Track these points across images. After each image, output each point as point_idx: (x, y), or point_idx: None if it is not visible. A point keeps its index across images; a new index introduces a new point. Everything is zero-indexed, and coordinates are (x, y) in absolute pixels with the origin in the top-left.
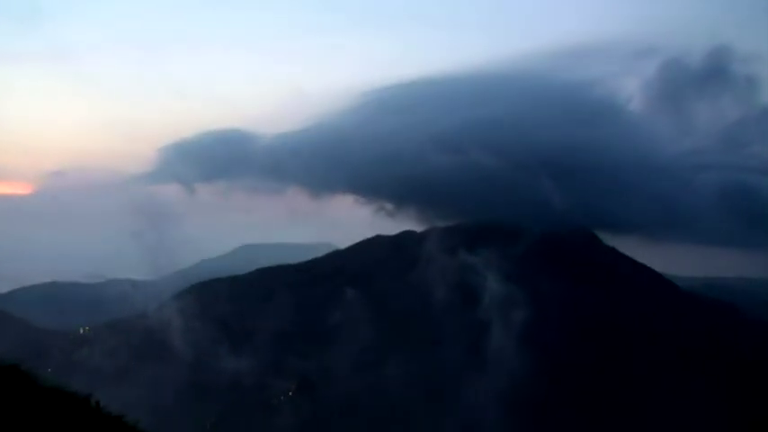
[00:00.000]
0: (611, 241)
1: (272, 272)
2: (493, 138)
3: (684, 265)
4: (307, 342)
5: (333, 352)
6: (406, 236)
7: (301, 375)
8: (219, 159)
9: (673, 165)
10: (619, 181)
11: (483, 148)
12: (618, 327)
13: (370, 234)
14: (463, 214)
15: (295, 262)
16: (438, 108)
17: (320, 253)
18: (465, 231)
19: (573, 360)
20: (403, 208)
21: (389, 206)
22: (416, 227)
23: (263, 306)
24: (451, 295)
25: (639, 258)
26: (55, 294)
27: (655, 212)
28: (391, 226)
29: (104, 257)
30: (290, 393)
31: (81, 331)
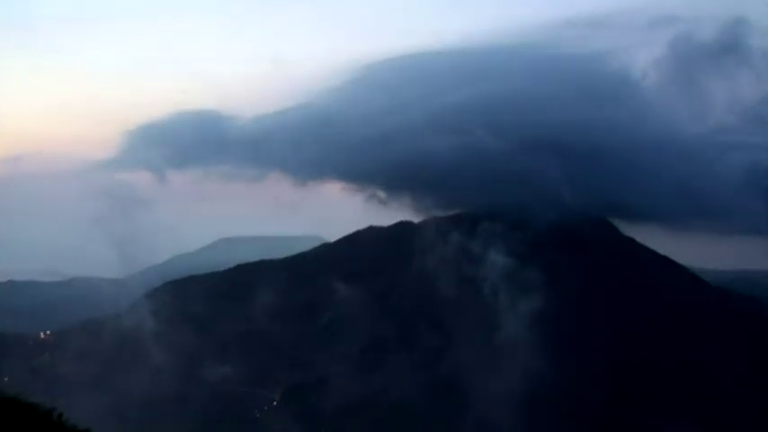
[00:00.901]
0: (630, 231)
1: (254, 268)
2: (497, 117)
3: (711, 258)
4: (294, 345)
5: (324, 356)
6: (402, 227)
7: (288, 383)
8: (193, 143)
9: (694, 145)
10: (636, 164)
11: (485, 128)
12: (640, 326)
13: (362, 225)
14: (464, 203)
15: (279, 257)
16: (436, 84)
17: (307, 246)
18: (467, 221)
19: (591, 360)
20: (397, 196)
21: (382, 194)
22: (413, 217)
23: (245, 306)
24: (456, 291)
25: (661, 250)
26: (11, 295)
27: (676, 198)
28: (385, 216)
29: (66, 254)
30: (275, 403)
31: (41, 336)
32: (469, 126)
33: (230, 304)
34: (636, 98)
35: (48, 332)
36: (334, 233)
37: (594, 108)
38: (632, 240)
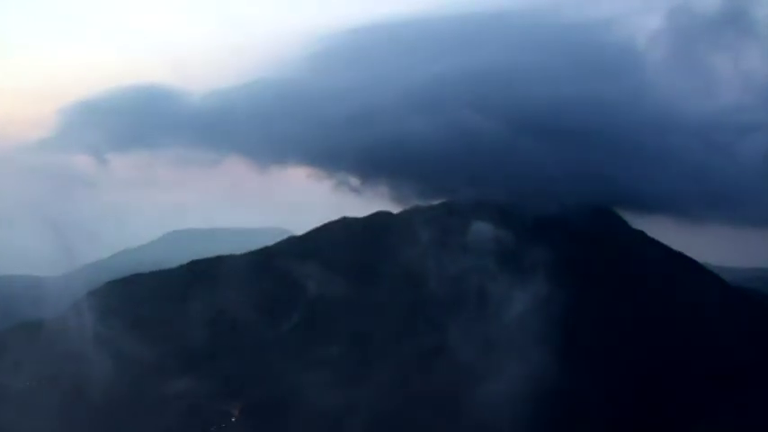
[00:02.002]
0: (638, 223)
1: (211, 264)
2: (483, 94)
3: (730, 254)
4: (257, 352)
5: (293, 364)
6: (379, 218)
7: (250, 395)
8: (138, 123)
9: (708, 126)
10: (643, 146)
11: (471, 107)
12: (651, 329)
13: (333, 216)
14: (449, 191)
15: (240, 252)
16: (416, 56)
17: (271, 240)
18: (454, 212)
19: (598, 366)
20: (372, 183)
21: (354, 180)
22: (391, 207)
23: (201, 307)
24: (444, 289)
25: (675, 245)
26: None
27: (690, 186)
28: (359, 206)
29: None
30: (234, 419)
31: None
32: (454, 104)
33: (184, 306)
34: (641, 72)
35: None
36: (301, 225)
37: (593, 83)
38: (642, 234)
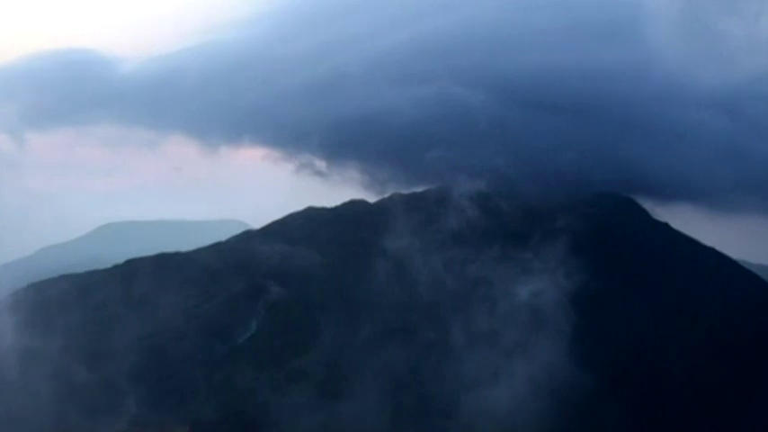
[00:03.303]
0: (661, 213)
1: (152, 264)
2: (473, 61)
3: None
4: (205, 366)
5: (255, 378)
6: (353, 208)
7: (200, 419)
8: (61, 96)
9: (735, 98)
10: (657, 123)
11: (457, 76)
12: (678, 332)
13: (295, 205)
14: (432, 175)
15: (186, 249)
16: (389, 16)
17: (224, 234)
18: (441, 200)
19: (622, 377)
20: (340, 166)
21: (319, 163)
22: (365, 194)
23: (140, 314)
24: (433, 289)
25: (706, 240)
26: None
27: (719, 169)
28: (325, 193)
29: None
30: None
31: None
32: (436, 73)
33: (120, 312)
34: (657, 36)
35: None
36: (259, 216)
37: (603, 49)
38: (666, 226)
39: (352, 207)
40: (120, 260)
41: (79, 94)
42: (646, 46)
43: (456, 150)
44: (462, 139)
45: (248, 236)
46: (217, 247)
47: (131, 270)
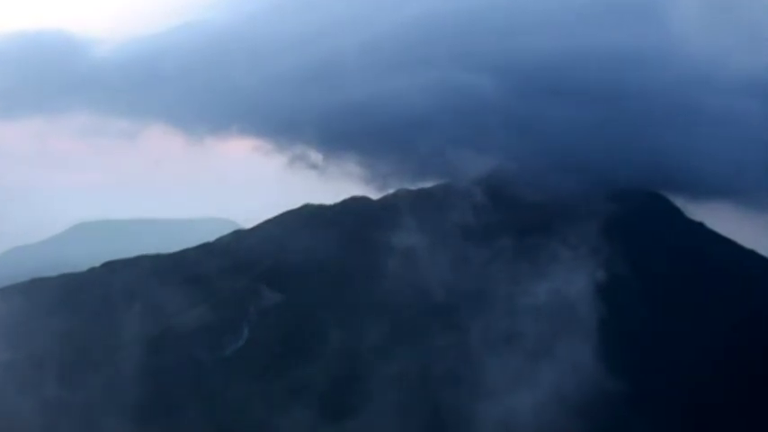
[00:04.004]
0: (695, 212)
1: (132, 266)
2: (481, 44)
3: None
4: (192, 379)
5: (239, 394)
6: (354, 206)
7: None
8: (30, 82)
9: (765, 83)
10: (693, 112)
11: (464, 60)
12: (715, 338)
13: (289, 202)
14: (439, 169)
15: (170, 250)
16: None
17: (212, 234)
18: (451, 196)
19: (656, 392)
20: (337, 159)
21: (315, 155)
22: (367, 190)
23: (117, 322)
24: (445, 293)
25: (745, 241)
26: None
27: (757, 164)
28: (322, 188)
29: None
30: None
31: None
32: (439, 56)
33: (96, 320)
34: (684, 17)
35: None
36: (249, 214)
37: (621, 29)
38: (701, 226)
39: (354, 204)
40: (97, 263)
41: (49, 80)
42: (671, 26)
43: (465, 142)
44: (471, 130)
45: (238, 236)
46: (203, 249)
47: (108, 274)
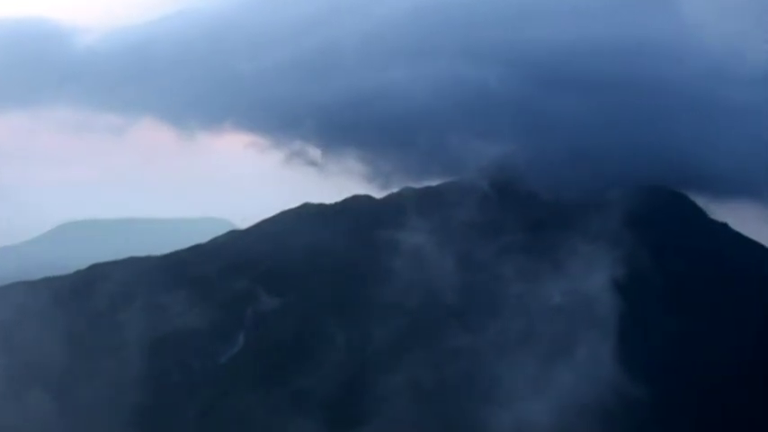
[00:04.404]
0: (719, 212)
1: (121, 269)
2: (487, 34)
3: None
4: (184, 389)
5: (232, 405)
6: (356, 204)
7: None
8: (12, 74)
9: None
10: (715, 105)
11: (469, 50)
12: (742, 345)
13: (288, 201)
14: (445, 166)
15: (160, 252)
16: None
17: (206, 235)
18: (460, 195)
19: (677, 396)
20: (337, 155)
21: (314, 151)
22: (368, 188)
23: (104, 328)
24: (456, 297)
25: None
26: None
27: None
28: (321, 186)
29: None
30: None
31: None
32: (444, 46)
33: (82, 326)
34: (685, 5)
35: None
36: (245, 214)
37: (635, 18)
38: (725, 227)
39: (356, 203)
40: (83, 265)
41: (32, 72)
42: (679, 17)
43: (471, 136)
44: (478, 124)
45: (233, 236)
46: (196, 250)
47: (95, 277)
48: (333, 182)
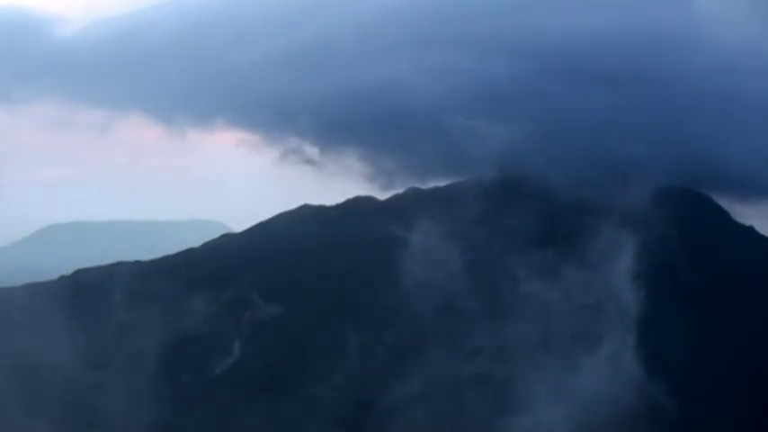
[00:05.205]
0: (744, 214)
1: (107, 275)
2: (494, 24)
3: None
4: (176, 403)
5: (229, 422)
6: (358, 206)
7: None
8: None
9: None
10: (726, 101)
11: (477, 41)
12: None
13: (285, 203)
14: (455, 166)
15: (151, 256)
16: None
17: (196, 238)
18: (470, 197)
19: (700, 401)
20: (336, 153)
21: (311, 149)
22: (370, 188)
23: (90, 336)
24: (468, 302)
25: None
26: None
27: None
28: (322, 187)
29: None
30: None
31: None
32: (446, 37)
33: (66, 334)
34: None
35: None
36: (240, 216)
37: (645, 9)
38: (751, 231)
39: (358, 205)
40: (68, 270)
41: (7, 65)
42: (699, 8)
43: (477, 132)
44: (489, 118)
45: (227, 240)
46: (188, 254)
47: (81, 282)
48: (331, 181)
